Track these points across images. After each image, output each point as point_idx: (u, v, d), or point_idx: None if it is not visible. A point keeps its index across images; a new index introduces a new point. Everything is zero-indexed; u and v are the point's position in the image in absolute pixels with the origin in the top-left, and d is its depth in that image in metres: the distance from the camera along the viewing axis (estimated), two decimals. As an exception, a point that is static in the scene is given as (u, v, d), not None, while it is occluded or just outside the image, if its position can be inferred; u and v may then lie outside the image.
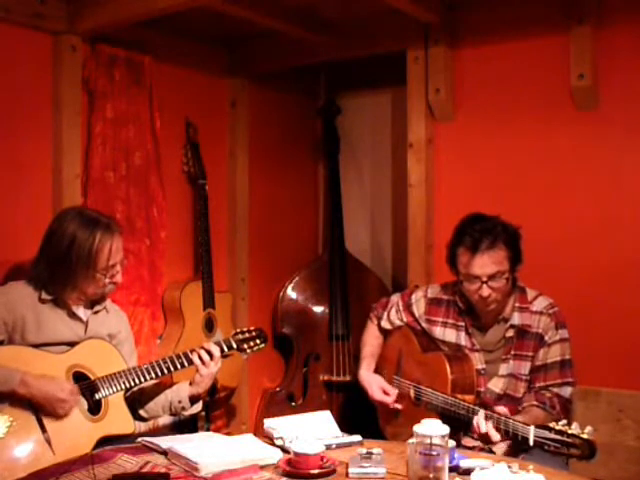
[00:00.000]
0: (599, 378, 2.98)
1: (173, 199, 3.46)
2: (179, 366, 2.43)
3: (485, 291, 2.43)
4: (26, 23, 2.86)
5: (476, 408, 2.32)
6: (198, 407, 2.53)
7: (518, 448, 2.27)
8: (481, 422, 2.24)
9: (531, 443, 2.04)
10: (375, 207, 4.18)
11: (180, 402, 2.46)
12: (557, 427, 1.97)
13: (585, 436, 1.92)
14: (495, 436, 2.22)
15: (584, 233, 3.08)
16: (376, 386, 2.72)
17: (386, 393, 2.69)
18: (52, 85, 2.98)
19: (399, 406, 2.67)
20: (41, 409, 2.18)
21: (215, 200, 3.60)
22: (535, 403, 2.42)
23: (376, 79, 4.07)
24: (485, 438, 2.26)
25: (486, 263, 2.41)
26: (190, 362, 2.43)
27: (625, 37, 2.96)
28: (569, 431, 1.94)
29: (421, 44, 3.35)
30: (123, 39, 3.17)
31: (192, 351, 2.45)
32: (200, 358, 2.43)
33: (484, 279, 2.42)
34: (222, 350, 2.51)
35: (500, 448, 2.36)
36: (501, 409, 2.29)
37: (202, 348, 2.46)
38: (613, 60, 2.98)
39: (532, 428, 2.04)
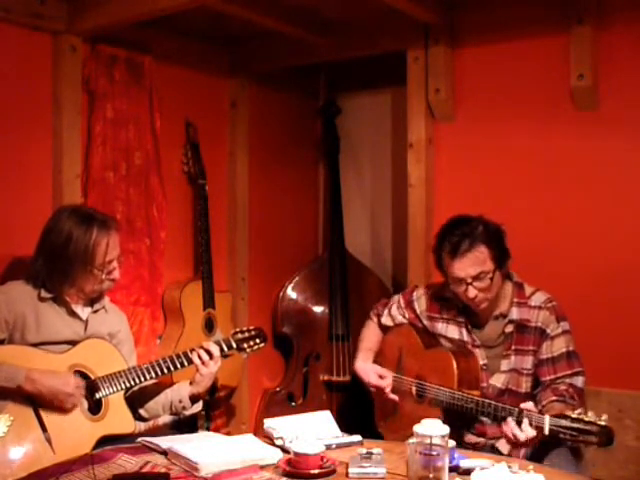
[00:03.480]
0: (599, 378, 2.97)
1: (173, 199, 3.46)
2: (179, 366, 2.43)
3: (471, 292, 2.44)
4: (26, 23, 2.86)
5: (486, 401, 2.32)
6: (198, 406, 2.53)
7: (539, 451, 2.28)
8: (515, 429, 2.21)
9: (546, 432, 2.04)
10: (375, 207, 4.18)
11: (181, 401, 2.46)
12: (573, 415, 1.98)
13: (602, 423, 1.92)
14: (531, 432, 2.18)
15: (584, 233, 3.08)
16: (372, 372, 2.73)
17: (382, 377, 2.71)
18: (52, 85, 2.98)
19: (395, 397, 2.67)
20: (47, 404, 2.19)
21: (215, 200, 3.60)
22: (554, 398, 2.39)
23: (376, 79, 4.07)
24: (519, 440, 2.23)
25: (467, 265, 2.42)
26: (190, 362, 2.44)
27: (625, 37, 2.96)
28: (586, 419, 1.94)
29: (421, 44, 3.35)
30: (123, 39, 3.17)
31: (192, 350, 2.46)
32: (200, 358, 2.43)
33: (468, 281, 2.43)
34: (222, 350, 2.52)
35: (505, 447, 2.37)
36: (529, 404, 2.26)
37: (202, 348, 2.46)
38: (613, 60, 2.98)
39: (547, 417, 2.05)
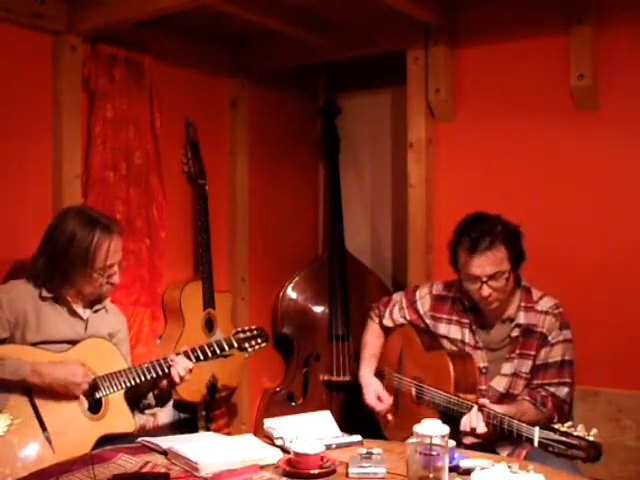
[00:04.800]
0: (598, 378, 2.98)
1: (173, 199, 3.46)
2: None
3: (485, 291, 2.44)
4: (26, 23, 2.85)
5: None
6: (165, 408, 2.54)
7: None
8: (473, 417, 2.27)
9: (536, 444, 2.04)
10: (375, 207, 4.18)
11: (147, 399, 2.48)
12: (562, 429, 1.97)
13: (591, 438, 1.92)
14: (482, 428, 2.26)
15: (583, 233, 3.08)
16: (372, 390, 2.74)
17: (380, 400, 2.71)
18: (52, 85, 2.98)
19: (390, 417, 2.69)
20: (54, 395, 2.20)
21: (215, 200, 3.60)
22: (527, 398, 2.45)
23: (376, 79, 4.07)
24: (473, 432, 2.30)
25: (485, 263, 2.42)
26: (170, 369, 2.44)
27: (625, 37, 2.96)
28: (574, 433, 1.94)
29: (421, 44, 3.35)
30: (123, 39, 3.17)
31: (193, 350, 2.47)
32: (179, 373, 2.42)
33: (484, 279, 2.43)
34: (222, 350, 2.52)
35: (504, 450, 2.39)
36: (484, 401, 2.33)
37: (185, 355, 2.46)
38: (613, 60, 2.98)
39: (537, 429, 2.05)
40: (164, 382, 2.44)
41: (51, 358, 2.29)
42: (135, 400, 2.48)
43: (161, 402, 2.53)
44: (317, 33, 3.49)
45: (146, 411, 2.53)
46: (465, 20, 3.29)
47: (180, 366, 2.41)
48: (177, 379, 2.41)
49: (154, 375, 2.40)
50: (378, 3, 2.95)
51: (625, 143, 2.99)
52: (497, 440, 2.39)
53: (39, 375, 2.18)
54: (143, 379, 2.38)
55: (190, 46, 3.60)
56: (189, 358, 2.46)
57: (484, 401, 2.33)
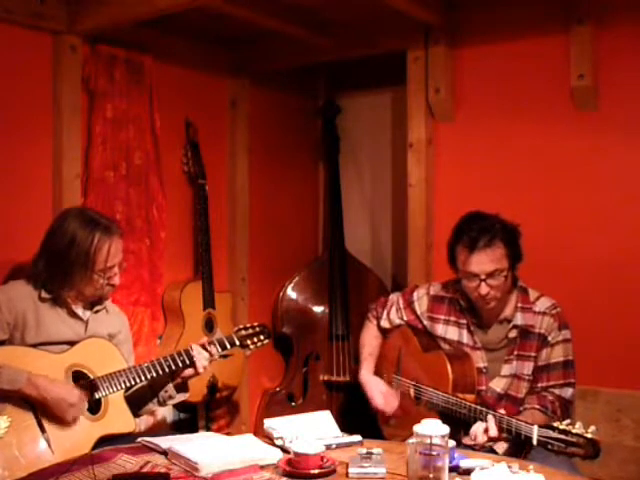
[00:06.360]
0: (598, 378, 2.98)
1: (173, 199, 3.46)
2: (180, 364, 2.44)
3: (484, 289, 2.43)
4: (26, 23, 2.85)
5: (478, 408, 2.32)
6: (185, 395, 2.55)
7: (519, 447, 2.29)
8: (492, 427, 2.25)
9: (534, 442, 2.05)
10: (375, 207, 4.18)
11: (166, 391, 2.49)
12: (561, 426, 1.98)
13: (589, 435, 1.93)
14: (493, 430, 2.24)
15: (583, 233, 3.08)
16: (378, 392, 2.73)
17: (388, 401, 2.70)
18: (52, 85, 2.98)
19: (392, 418, 2.68)
20: (47, 412, 2.18)
21: (215, 200, 3.60)
22: (537, 407, 2.43)
23: (376, 79, 4.07)
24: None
25: (484, 261, 2.42)
26: (192, 360, 2.45)
27: (625, 37, 2.96)
28: (573, 430, 1.95)
29: (421, 44, 3.35)
30: (123, 39, 3.16)
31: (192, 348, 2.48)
32: (200, 358, 2.45)
33: (482, 277, 2.42)
34: (224, 348, 2.52)
35: (501, 447, 2.37)
36: (502, 412, 2.31)
37: (202, 346, 2.47)
38: (613, 60, 2.98)
39: (535, 427, 2.05)
40: (187, 372, 2.47)
41: (50, 358, 2.29)
42: (154, 393, 2.49)
43: (183, 390, 2.54)
44: (317, 33, 3.49)
45: (168, 402, 2.52)
46: (465, 20, 3.30)
47: (202, 356, 2.46)
48: (201, 369, 2.45)
49: (154, 374, 2.40)
50: (378, 3, 2.95)
51: (625, 143, 2.99)
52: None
53: (35, 387, 2.16)
54: (144, 378, 2.38)
55: (190, 46, 3.60)
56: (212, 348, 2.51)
57: (502, 412, 2.30)
